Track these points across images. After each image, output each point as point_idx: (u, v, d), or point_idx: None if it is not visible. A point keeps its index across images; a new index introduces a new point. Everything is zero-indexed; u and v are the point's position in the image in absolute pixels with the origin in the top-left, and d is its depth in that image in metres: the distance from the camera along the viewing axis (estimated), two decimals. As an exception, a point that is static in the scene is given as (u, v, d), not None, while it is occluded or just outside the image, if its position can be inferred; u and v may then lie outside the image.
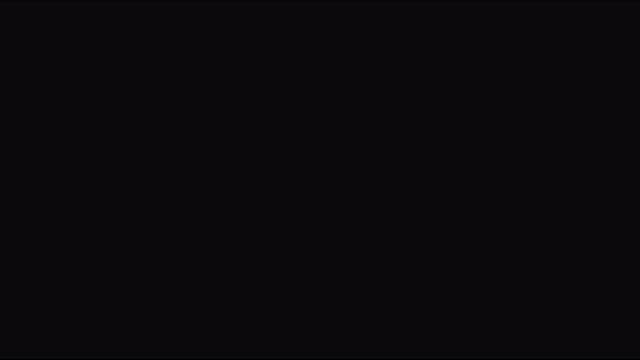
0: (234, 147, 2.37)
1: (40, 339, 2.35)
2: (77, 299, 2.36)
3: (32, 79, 2.39)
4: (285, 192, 2.37)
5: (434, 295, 2.35)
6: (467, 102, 2.37)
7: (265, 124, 2.39)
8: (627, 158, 2.34)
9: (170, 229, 2.37)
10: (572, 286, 2.33)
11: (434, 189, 2.36)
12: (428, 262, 2.35)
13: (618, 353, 2.31)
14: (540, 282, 2.33)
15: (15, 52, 2.38)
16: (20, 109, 2.38)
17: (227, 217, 2.37)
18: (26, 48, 2.39)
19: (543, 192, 2.35)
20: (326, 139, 2.38)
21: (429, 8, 2.37)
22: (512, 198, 2.35)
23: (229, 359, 2.35)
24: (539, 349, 2.33)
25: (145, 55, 2.39)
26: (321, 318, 2.36)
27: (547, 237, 2.34)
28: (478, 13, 2.37)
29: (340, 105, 2.38)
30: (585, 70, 2.36)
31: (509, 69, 2.37)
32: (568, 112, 2.36)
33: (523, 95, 2.36)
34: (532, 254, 2.34)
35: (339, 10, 2.38)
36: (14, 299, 2.35)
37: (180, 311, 2.36)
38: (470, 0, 2.36)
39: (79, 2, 2.38)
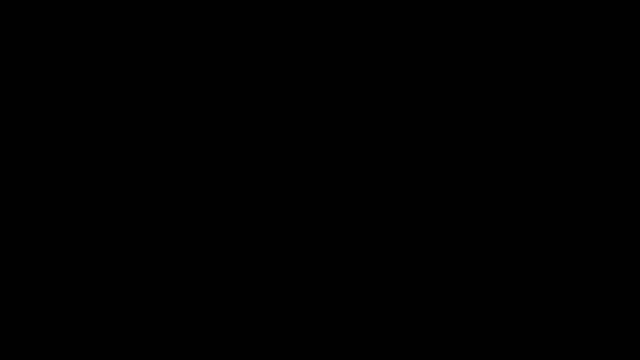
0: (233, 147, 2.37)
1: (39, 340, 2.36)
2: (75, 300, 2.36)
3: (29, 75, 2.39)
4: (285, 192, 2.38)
5: (434, 295, 2.35)
6: (467, 102, 2.37)
7: (266, 124, 2.39)
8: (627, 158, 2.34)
9: (170, 228, 2.37)
10: (572, 287, 2.34)
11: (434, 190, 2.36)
12: (428, 262, 2.36)
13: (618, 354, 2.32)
14: (540, 283, 2.34)
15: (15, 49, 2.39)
16: (20, 107, 2.39)
17: (227, 217, 2.37)
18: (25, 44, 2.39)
19: (543, 192, 2.36)
20: (326, 139, 2.38)
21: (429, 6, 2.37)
22: (513, 198, 2.36)
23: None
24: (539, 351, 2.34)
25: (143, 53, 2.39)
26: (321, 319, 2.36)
27: (547, 238, 2.35)
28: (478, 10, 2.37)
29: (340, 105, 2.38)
30: (586, 67, 2.36)
31: (508, 68, 2.37)
32: (568, 112, 2.36)
33: (523, 95, 2.37)
34: (533, 255, 2.35)
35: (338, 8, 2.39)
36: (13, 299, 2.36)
37: (180, 312, 2.36)
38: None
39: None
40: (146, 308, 2.36)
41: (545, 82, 2.36)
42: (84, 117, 2.38)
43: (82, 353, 2.35)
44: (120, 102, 2.38)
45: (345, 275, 2.36)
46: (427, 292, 2.35)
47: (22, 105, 2.38)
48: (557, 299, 2.33)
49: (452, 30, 2.37)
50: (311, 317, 2.36)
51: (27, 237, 2.36)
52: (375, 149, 2.37)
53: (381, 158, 2.37)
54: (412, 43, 2.38)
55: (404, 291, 2.36)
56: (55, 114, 2.38)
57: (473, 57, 2.37)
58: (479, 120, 2.37)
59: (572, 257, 2.33)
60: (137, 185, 2.37)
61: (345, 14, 2.39)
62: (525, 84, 2.37)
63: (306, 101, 2.39)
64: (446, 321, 2.35)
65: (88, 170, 2.37)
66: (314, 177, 2.37)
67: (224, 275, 2.36)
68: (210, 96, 2.39)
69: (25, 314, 2.35)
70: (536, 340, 2.33)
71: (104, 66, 2.39)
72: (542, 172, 2.35)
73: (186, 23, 2.39)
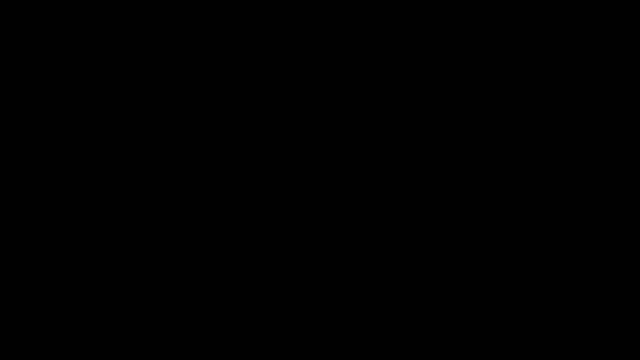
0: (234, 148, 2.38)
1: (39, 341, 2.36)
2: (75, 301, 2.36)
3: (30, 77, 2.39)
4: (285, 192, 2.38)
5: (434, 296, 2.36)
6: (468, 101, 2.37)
7: (266, 124, 2.39)
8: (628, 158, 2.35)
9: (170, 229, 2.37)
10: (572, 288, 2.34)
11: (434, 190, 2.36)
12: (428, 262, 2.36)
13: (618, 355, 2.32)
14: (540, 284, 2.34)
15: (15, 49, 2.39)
16: (20, 108, 2.39)
17: (228, 217, 2.37)
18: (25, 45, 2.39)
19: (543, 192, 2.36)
20: (327, 139, 2.38)
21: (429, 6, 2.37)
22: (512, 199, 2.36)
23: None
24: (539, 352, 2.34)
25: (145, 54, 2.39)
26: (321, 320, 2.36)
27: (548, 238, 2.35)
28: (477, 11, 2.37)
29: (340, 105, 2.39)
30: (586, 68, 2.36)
31: (509, 68, 2.37)
32: (568, 112, 2.37)
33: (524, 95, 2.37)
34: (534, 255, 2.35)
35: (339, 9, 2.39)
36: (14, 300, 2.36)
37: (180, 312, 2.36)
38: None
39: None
40: (146, 308, 2.36)
41: (545, 82, 2.37)
42: (84, 117, 2.38)
43: (82, 353, 2.35)
44: (120, 102, 2.38)
45: (345, 275, 2.36)
46: (427, 292, 2.35)
47: (22, 105, 2.38)
48: (557, 299, 2.34)
49: (452, 30, 2.38)
50: (311, 317, 2.36)
51: (27, 237, 2.36)
52: (375, 149, 2.37)
53: (381, 158, 2.37)
54: (412, 43, 2.38)
55: (404, 291, 2.36)
56: (55, 114, 2.38)
57: (473, 57, 2.37)
58: (479, 120, 2.37)
59: (572, 257, 2.34)
60: (137, 185, 2.37)
61: (345, 14, 2.39)
62: (526, 84, 2.37)
63: (306, 101, 2.39)
64: (446, 321, 2.35)
65: (88, 170, 2.37)
66: (314, 177, 2.38)
67: (224, 275, 2.37)
68: (210, 96, 2.39)
69: (25, 314, 2.35)
70: (536, 341, 2.34)
71: (104, 66, 2.39)
72: (542, 172, 2.35)
73: (186, 23, 2.39)
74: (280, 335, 2.36)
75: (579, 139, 2.36)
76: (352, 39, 2.39)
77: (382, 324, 2.35)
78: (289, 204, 2.37)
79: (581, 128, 2.36)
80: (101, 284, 2.36)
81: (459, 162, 2.36)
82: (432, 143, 2.37)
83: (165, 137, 2.38)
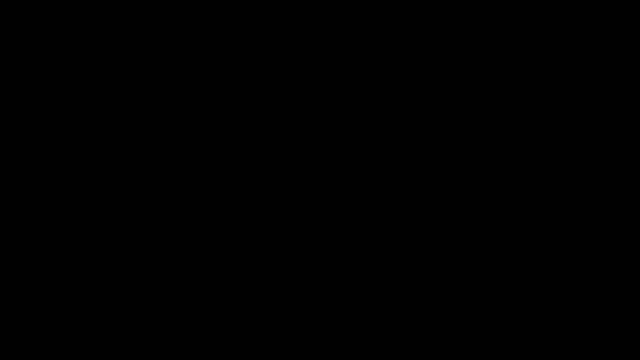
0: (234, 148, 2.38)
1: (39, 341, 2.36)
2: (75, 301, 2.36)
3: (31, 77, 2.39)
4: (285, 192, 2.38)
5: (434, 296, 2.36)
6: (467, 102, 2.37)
7: (266, 125, 2.39)
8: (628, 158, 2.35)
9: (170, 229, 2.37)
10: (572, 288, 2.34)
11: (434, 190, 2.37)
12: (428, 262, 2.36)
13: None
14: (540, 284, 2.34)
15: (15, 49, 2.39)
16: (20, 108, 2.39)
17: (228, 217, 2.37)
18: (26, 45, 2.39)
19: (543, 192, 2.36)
20: (327, 139, 2.39)
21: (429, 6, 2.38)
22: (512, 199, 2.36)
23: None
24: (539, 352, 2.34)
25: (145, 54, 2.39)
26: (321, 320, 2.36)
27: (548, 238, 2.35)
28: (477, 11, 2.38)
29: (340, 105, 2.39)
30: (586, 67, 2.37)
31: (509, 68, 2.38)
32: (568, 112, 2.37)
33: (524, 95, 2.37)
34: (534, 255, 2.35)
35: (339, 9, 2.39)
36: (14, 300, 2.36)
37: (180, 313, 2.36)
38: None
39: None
40: (146, 308, 2.36)
41: (545, 82, 2.37)
42: (84, 117, 2.38)
43: (82, 353, 2.35)
44: (120, 102, 2.39)
45: (345, 275, 2.36)
46: (427, 292, 2.35)
47: (22, 105, 2.38)
48: (557, 299, 2.34)
49: (452, 30, 2.38)
50: (311, 317, 2.36)
51: (27, 237, 2.36)
52: (375, 149, 2.37)
53: (381, 158, 2.37)
54: (412, 43, 2.38)
55: (404, 291, 2.36)
56: (55, 114, 2.38)
57: (473, 57, 2.38)
58: (479, 120, 2.37)
59: (572, 257, 2.34)
60: (137, 185, 2.38)
61: (345, 14, 2.39)
62: (525, 84, 2.37)
63: (306, 101, 2.39)
64: (446, 321, 2.35)
65: (88, 171, 2.37)
66: (314, 177, 2.38)
67: (224, 275, 2.37)
68: (210, 96, 2.39)
69: (25, 314, 2.35)
70: (536, 341, 2.33)
71: (104, 66, 2.39)
72: (542, 172, 2.36)
73: (186, 23, 2.40)
74: (280, 336, 2.36)
75: (579, 139, 2.36)
76: (352, 39, 2.39)
77: (382, 324, 2.35)
78: (288, 204, 2.37)
79: (581, 128, 2.36)
80: (101, 284, 2.36)
81: (459, 162, 2.37)
82: (431, 143, 2.37)
83: (165, 137, 2.38)
